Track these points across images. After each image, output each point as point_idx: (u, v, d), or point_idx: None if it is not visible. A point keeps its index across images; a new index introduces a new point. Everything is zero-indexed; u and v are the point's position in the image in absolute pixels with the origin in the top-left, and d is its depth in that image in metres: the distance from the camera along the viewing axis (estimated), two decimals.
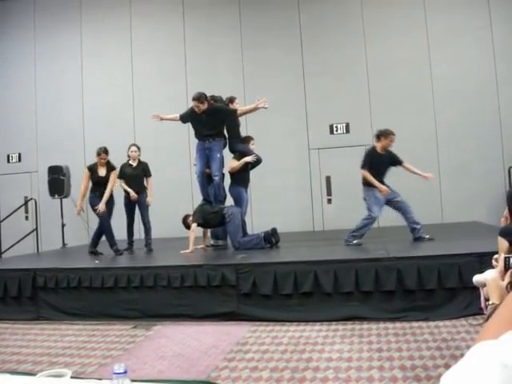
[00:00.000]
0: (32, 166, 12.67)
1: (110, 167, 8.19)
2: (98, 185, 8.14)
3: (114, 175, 8.18)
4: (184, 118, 8.19)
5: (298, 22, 11.65)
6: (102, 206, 7.96)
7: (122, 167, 8.37)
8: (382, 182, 7.18)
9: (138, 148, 8.51)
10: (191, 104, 7.97)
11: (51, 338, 5.72)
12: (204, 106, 7.79)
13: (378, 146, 7.25)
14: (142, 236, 8.65)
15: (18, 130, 12.77)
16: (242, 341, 5.11)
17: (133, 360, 4.68)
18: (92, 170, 8.20)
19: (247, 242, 7.60)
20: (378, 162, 7.19)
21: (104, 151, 8.09)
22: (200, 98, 7.77)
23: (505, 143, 10.64)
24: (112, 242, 8.22)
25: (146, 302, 6.23)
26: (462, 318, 5.26)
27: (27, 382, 1.87)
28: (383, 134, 7.18)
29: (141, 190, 8.35)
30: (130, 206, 8.35)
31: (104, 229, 8.23)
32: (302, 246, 8.26)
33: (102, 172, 8.14)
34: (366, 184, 7.25)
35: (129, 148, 8.51)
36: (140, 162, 8.46)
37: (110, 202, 8.23)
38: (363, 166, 7.22)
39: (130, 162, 8.44)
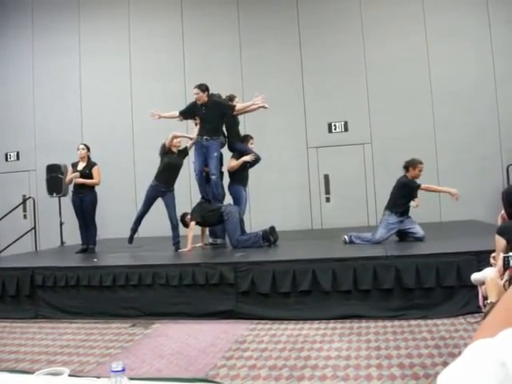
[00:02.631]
0: (30, 164, 12.65)
1: (91, 163, 8.54)
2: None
3: (96, 171, 8.43)
4: (184, 113, 8.18)
5: (296, 20, 11.64)
6: (75, 175, 8.36)
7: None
8: (408, 209, 7.24)
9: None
10: (191, 98, 8.01)
11: (49, 336, 5.72)
12: (204, 97, 7.83)
13: (408, 175, 7.20)
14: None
15: (16, 129, 12.76)
16: (240, 339, 5.11)
17: (131, 358, 4.68)
18: (74, 165, 8.60)
19: (245, 240, 7.60)
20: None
21: (83, 144, 8.68)
22: (201, 85, 7.83)
23: (503, 142, 10.65)
24: (94, 239, 8.58)
25: (145, 300, 6.23)
26: (461, 316, 5.27)
27: (25, 381, 1.87)
28: (411, 165, 7.15)
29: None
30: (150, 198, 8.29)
31: (92, 225, 8.55)
32: (301, 244, 8.25)
33: (80, 166, 8.50)
34: (388, 208, 7.26)
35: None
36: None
37: (94, 199, 8.47)
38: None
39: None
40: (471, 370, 0.61)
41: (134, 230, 8.42)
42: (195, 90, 7.85)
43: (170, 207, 8.02)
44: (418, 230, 7.11)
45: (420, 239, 7.05)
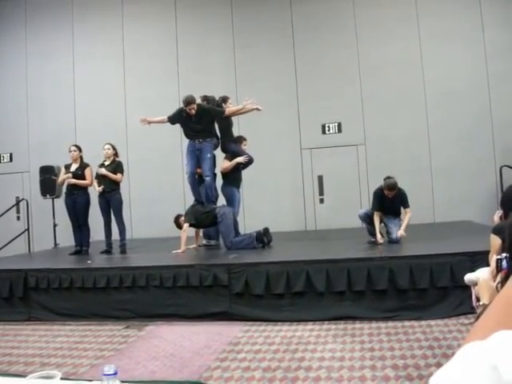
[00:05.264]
0: (23, 166, 12.61)
1: (83, 164, 8.54)
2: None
3: (88, 171, 8.43)
4: (172, 120, 8.15)
5: (290, 22, 11.65)
6: (67, 176, 8.40)
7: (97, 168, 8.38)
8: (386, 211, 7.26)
9: (113, 147, 8.45)
10: (182, 105, 7.98)
11: (43, 338, 5.70)
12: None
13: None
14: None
15: (9, 130, 12.71)
16: (234, 341, 5.11)
17: (125, 360, 4.67)
18: (66, 166, 8.61)
19: (239, 241, 7.60)
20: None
21: (74, 145, 8.70)
22: (193, 100, 7.77)
23: (496, 143, 10.69)
24: (87, 241, 8.58)
25: (138, 302, 6.22)
26: (454, 316, 5.29)
27: None
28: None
29: (112, 188, 8.27)
30: (102, 205, 8.35)
31: (85, 227, 8.55)
32: (295, 245, 8.26)
33: (73, 167, 8.50)
34: None
35: (103, 147, 8.45)
36: (113, 161, 8.38)
37: (87, 200, 8.45)
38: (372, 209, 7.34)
39: (106, 162, 8.38)
40: (462, 374, 0.60)
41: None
42: (190, 106, 7.72)
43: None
44: (392, 231, 7.14)
45: (391, 240, 7.09)
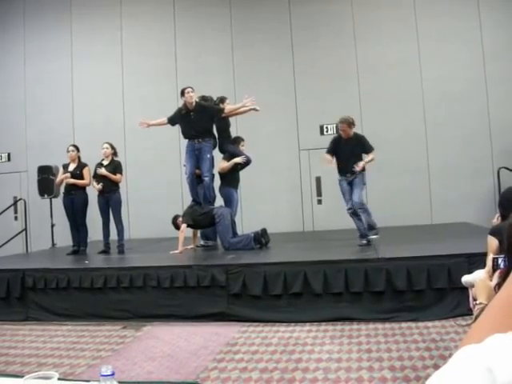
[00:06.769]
0: (21, 165, 12.59)
1: (81, 164, 8.53)
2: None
3: (86, 171, 8.42)
4: (172, 120, 8.18)
5: (288, 23, 11.65)
6: (66, 176, 8.38)
7: (95, 166, 8.38)
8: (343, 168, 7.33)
9: (111, 146, 8.46)
10: (180, 102, 8.00)
11: (40, 338, 5.69)
12: (194, 98, 7.84)
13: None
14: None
15: (7, 130, 12.69)
16: (231, 341, 5.11)
17: (122, 361, 4.67)
18: (64, 166, 8.59)
19: (237, 242, 7.60)
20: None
21: (72, 145, 8.70)
22: (189, 86, 7.82)
23: (494, 144, 10.68)
24: (85, 241, 8.59)
25: (136, 302, 6.21)
26: (451, 318, 5.30)
27: None
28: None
29: (111, 188, 8.28)
30: (102, 205, 8.36)
31: (82, 226, 8.56)
32: (292, 246, 8.26)
33: (71, 167, 8.49)
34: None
35: (102, 146, 8.46)
36: (112, 161, 8.40)
37: (85, 200, 8.46)
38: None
39: (104, 161, 8.39)
40: (458, 377, 0.61)
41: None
42: (188, 90, 7.82)
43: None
44: (352, 193, 7.33)
45: (352, 205, 7.28)
